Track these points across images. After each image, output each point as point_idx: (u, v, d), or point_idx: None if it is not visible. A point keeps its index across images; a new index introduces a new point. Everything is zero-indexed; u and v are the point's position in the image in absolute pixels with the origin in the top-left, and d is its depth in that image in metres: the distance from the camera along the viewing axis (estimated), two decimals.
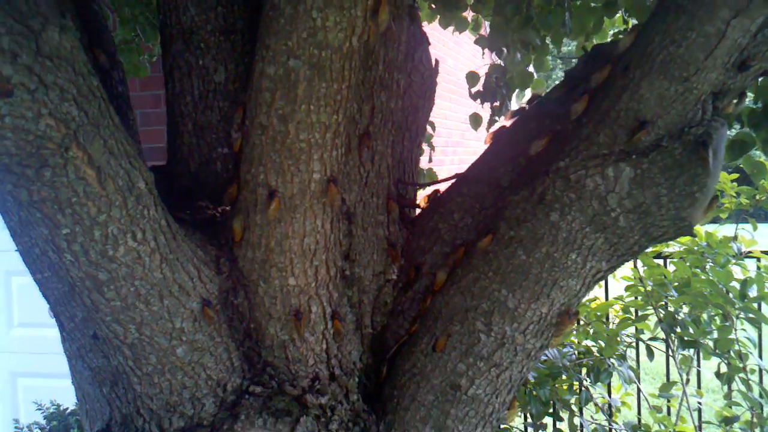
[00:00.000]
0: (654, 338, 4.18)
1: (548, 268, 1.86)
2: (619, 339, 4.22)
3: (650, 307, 4.13)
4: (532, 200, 1.87)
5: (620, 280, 5.35)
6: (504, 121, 2.92)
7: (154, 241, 1.71)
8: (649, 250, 4.15)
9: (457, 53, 7.76)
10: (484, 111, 4.52)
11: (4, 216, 1.73)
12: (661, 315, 4.14)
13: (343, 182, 1.97)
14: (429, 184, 2.38)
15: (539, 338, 1.92)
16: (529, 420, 4.29)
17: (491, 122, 4.40)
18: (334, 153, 1.81)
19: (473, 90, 4.38)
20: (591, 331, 4.32)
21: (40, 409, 3.90)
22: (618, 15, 3.65)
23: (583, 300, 4.39)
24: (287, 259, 1.85)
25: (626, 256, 1.89)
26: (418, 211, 2.26)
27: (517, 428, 4.50)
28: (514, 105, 3.40)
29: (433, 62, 2.25)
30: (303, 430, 1.87)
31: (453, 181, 2.18)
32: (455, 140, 7.91)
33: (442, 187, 2.22)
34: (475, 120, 4.55)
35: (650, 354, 4.16)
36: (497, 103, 4.30)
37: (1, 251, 5.14)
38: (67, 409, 3.93)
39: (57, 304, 1.87)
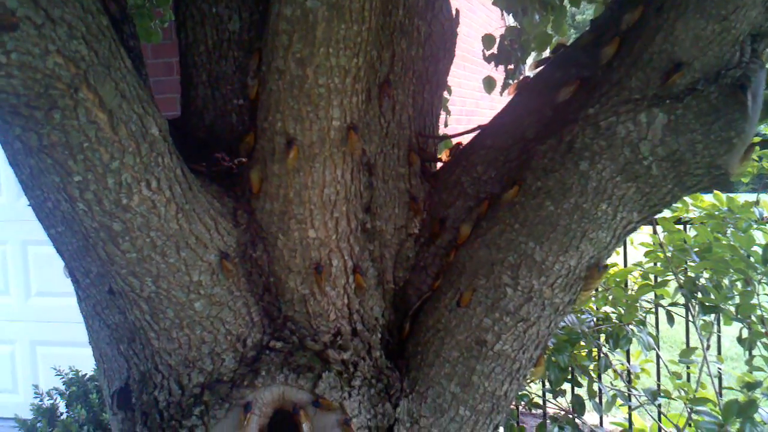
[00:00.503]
0: (674, 304, 4.10)
1: (577, 219, 1.77)
2: (638, 305, 4.14)
3: (670, 273, 4.05)
4: (560, 149, 1.78)
5: (638, 246, 5.28)
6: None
7: (170, 190, 1.64)
8: (669, 215, 4.06)
9: (470, 20, 7.62)
10: (498, 74, 4.42)
11: (16, 169, 1.66)
12: (682, 281, 4.05)
13: (363, 132, 1.88)
14: (450, 137, 2.29)
15: (568, 292, 1.83)
16: (548, 386, 4.23)
17: (505, 85, 4.30)
18: (354, 99, 1.72)
19: (488, 53, 4.28)
20: (610, 297, 4.24)
21: (59, 375, 3.86)
22: None
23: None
24: (307, 211, 1.77)
25: (658, 207, 1.80)
26: (439, 165, 2.17)
27: (535, 394, 4.44)
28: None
29: (454, 12, 2.15)
30: (325, 385, 1.80)
31: (476, 133, 2.09)
32: (469, 109, 7.79)
33: (465, 140, 2.12)
34: (489, 83, 4.44)
35: (670, 320, 4.08)
36: (511, 66, 4.20)
37: (18, 221, 5.12)
38: (85, 375, 3.89)
39: (72, 259, 1.81)
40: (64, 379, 3.87)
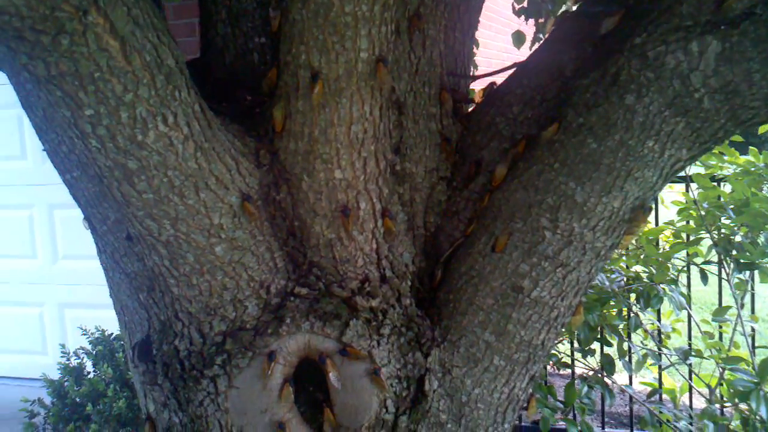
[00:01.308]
0: (707, 262, 3.95)
1: (622, 157, 1.62)
2: (670, 264, 3.99)
3: (704, 231, 3.89)
4: (605, 82, 1.63)
5: (670, 206, 5.11)
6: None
7: (187, 126, 1.52)
8: (704, 172, 3.90)
9: None
10: (528, 28, 4.25)
11: (29, 112, 1.55)
12: (716, 238, 3.90)
13: (392, 68, 1.74)
14: (484, 76, 2.14)
15: (610, 236, 1.70)
16: (577, 345, 4.11)
17: (535, 40, 4.14)
18: (383, 29, 1.58)
19: (518, 6, 4.11)
20: (641, 256, 4.10)
21: (85, 335, 3.80)
22: None
23: None
24: (333, 150, 1.64)
25: (709, 144, 1.65)
26: (472, 106, 2.03)
27: (564, 354, 4.32)
28: None
29: None
30: (353, 333, 1.69)
31: (511, 72, 1.95)
32: (495, 70, 7.57)
33: (500, 79, 1.98)
34: (518, 38, 4.28)
35: (704, 278, 3.94)
36: (542, 20, 4.03)
37: (44, 185, 5.05)
38: (112, 334, 3.82)
39: (88, 205, 1.70)
40: (90, 339, 3.80)
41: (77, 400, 3.63)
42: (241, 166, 1.64)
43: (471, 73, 2.05)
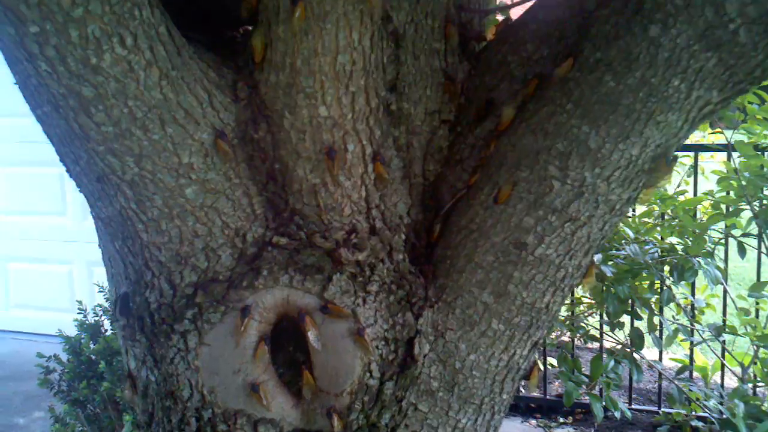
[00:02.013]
0: (746, 235, 3.67)
1: (643, 97, 1.39)
2: (706, 237, 3.72)
3: (744, 202, 3.61)
4: (626, 12, 1.39)
5: (710, 176, 4.81)
6: None
7: (150, 51, 1.32)
8: (747, 140, 3.61)
9: None
10: None
11: (3, 50, 1.38)
12: (756, 210, 3.61)
13: None
14: (497, 9, 1.90)
15: (626, 188, 1.47)
16: (605, 318, 3.88)
17: None
18: None
19: None
20: (677, 227, 3.83)
21: (101, 291, 3.68)
22: None
23: (670, 193, 3.89)
24: (317, 83, 1.44)
25: (744, 84, 1.41)
26: (483, 44, 1.79)
27: (592, 326, 4.09)
28: None
29: None
30: (336, 289, 1.50)
31: (527, 6, 1.71)
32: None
33: (515, 15, 1.74)
34: None
35: (741, 251, 3.66)
36: None
37: None
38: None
39: (61, 144, 1.53)
40: (106, 295, 3.69)
41: (92, 357, 3.53)
42: (215, 99, 1.45)
43: (483, 7, 1.82)
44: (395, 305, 1.54)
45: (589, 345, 5.20)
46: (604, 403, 3.68)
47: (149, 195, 1.44)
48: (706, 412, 4.05)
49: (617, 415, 3.74)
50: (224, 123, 1.46)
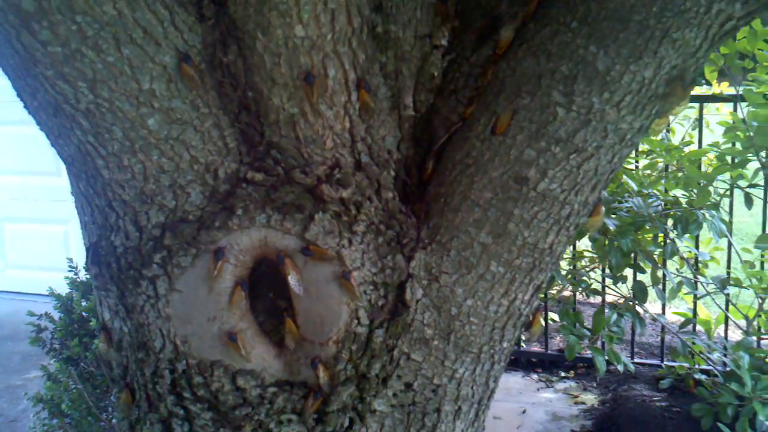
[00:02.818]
0: (753, 186, 3.51)
1: (657, 12, 1.21)
2: (711, 189, 3.55)
3: (751, 153, 3.44)
4: None
5: (715, 129, 4.64)
6: None
7: None
8: (755, 90, 3.43)
9: None
10: None
11: None
12: (764, 160, 3.45)
13: None
14: None
15: (638, 115, 1.30)
16: (608, 272, 3.74)
17: None
18: None
19: None
20: (681, 178, 3.66)
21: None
22: None
23: (674, 143, 3.71)
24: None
25: None
26: None
27: (595, 280, 3.94)
28: None
29: None
30: (318, 229, 1.33)
31: None
32: None
33: None
34: None
35: (748, 202, 3.50)
36: None
37: None
38: None
39: (16, 77, 1.36)
40: None
41: (84, 314, 3.41)
42: (177, 17, 1.27)
43: None
44: (384, 247, 1.38)
45: (591, 300, 5.07)
46: (606, 357, 3.55)
47: (107, 126, 1.27)
48: (710, 365, 3.93)
49: (620, 368, 3.61)
50: (189, 45, 1.28)
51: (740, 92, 3.39)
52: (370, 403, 1.42)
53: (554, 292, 4.20)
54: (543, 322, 1.37)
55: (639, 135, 1.33)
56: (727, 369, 3.61)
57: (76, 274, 3.60)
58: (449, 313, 1.40)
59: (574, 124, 1.29)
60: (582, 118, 1.28)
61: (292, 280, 1.32)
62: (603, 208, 1.44)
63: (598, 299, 4.80)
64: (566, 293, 4.47)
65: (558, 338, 4.58)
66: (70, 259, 3.59)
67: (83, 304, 3.46)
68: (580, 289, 3.85)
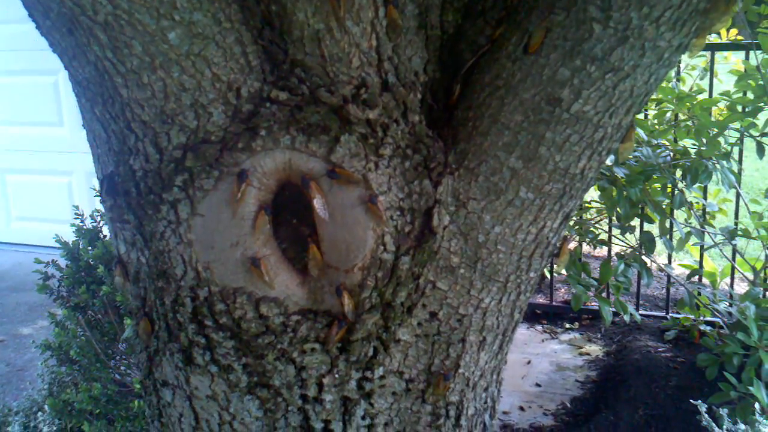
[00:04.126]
0: (765, 134, 3.45)
1: None
2: (721, 139, 3.50)
3: (765, 101, 3.38)
4: None
5: (724, 79, 4.58)
6: None
7: None
8: None
9: None
10: None
11: None
12: None
13: None
14: None
15: (677, 31, 1.23)
16: (616, 221, 3.70)
17: None
18: None
19: None
20: (692, 127, 3.60)
21: (98, 196, 3.48)
22: None
23: (684, 90, 3.65)
24: None
25: None
26: None
27: (602, 230, 3.91)
28: None
29: None
30: (344, 152, 1.28)
31: None
32: None
33: None
34: None
35: (760, 151, 3.46)
36: None
37: None
38: None
39: None
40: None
41: (90, 262, 3.36)
42: None
43: None
44: (411, 171, 1.32)
45: (597, 253, 5.05)
46: (613, 307, 3.53)
47: (126, 40, 1.21)
48: (716, 317, 3.92)
49: (626, 318, 3.60)
50: None
51: (755, 40, 3.32)
52: (395, 332, 1.38)
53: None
54: (571, 247, 1.31)
55: (677, 54, 1.27)
56: (733, 320, 3.59)
57: (82, 221, 3.55)
58: (476, 240, 1.35)
59: (610, 41, 1.23)
60: (619, 34, 1.22)
61: (317, 203, 1.27)
62: (635, 134, 1.38)
63: (603, 252, 4.77)
64: (573, 244, 4.44)
65: (563, 290, 4.56)
66: (76, 207, 3.54)
67: (90, 252, 3.42)
68: (587, 239, 3.82)
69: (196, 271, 1.33)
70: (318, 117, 1.27)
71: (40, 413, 3.29)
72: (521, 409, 3.50)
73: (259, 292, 1.33)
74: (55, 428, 3.28)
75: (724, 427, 2.75)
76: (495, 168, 1.32)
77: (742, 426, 2.74)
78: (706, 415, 2.78)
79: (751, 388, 2.88)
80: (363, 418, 1.42)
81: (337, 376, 1.38)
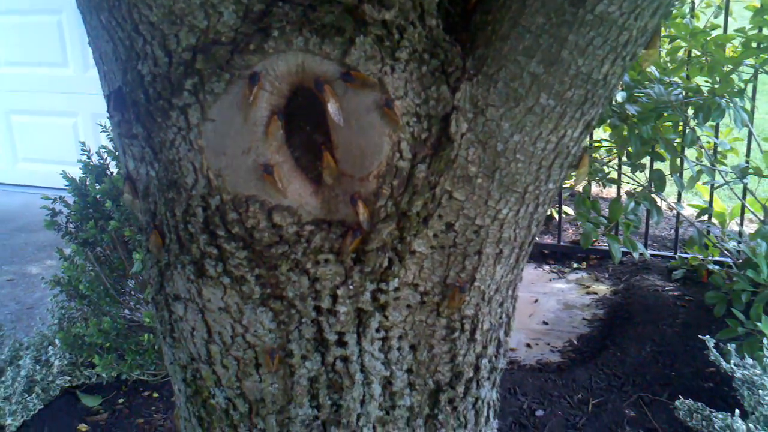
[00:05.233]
0: None
1: None
2: (735, 77, 3.42)
3: None
4: None
5: (738, 17, 4.50)
6: None
7: None
8: None
9: None
10: None
11: None
12: None
13: None
14: None
15: None
16: (626, 160, 3.66)
17: None
18: None
19: None
20: (706, 64, 3.53)
21: (105, 131, 3.44)
22: None
23: (698, 26, 3.56)
24: None
25: None
26: None
27: (612, 167, 3.87)
28: None
29: None
30: (359, 54, 1.23)
31: None
32: None
33: None
34: None
35: None
36: None
37: None
38: None
39: None
40: (109, 135, 3.45)
41: (98, 197, 3.34)
42: None
43: None
44: (428, 76, 1.28)
45: (605, 195, 5.01)
46: (623, 245, 3.51)
47: None
48: (724, 256, 3.89)
49: (635, 255, 3.57)
50: None
51: None
52: (410, 243, 1.35)
53: (568, 185, 4.12)
54: (588, 160, 1.26)
55: None
56: (742, 259, 3.57)
57: (89, 157, 3.52)
58: (495, 149, 1.31)
59: None
60: None
61: (331, 108, 1.22)
62: (659, 41, 1.33)
63: (612, 193, 4.73)
64: (579, 188, 4.41)
65: (571, 230, 4.54)
66: (83, 143, 3.51)
67: (97, 187, 3.40)
68: (597, 178, 3.78)
69: (208, 179, 1.30)
70: (332, 17, 1.22)
71: (51, 347, 3.31)
72: (528, 346, 3.51)
73: (272, 200, 1.30)
74: (66, 362, 3.29)
75: (732, 361, 2.74)
76: (515, 73, 1.27)
77: (750, 360, 2.73)
78: (714, 350, 2.77)
79: (759, 324, 2.87)
80: (377, 330, 1.40)
81: (351, 287, 1.36)
